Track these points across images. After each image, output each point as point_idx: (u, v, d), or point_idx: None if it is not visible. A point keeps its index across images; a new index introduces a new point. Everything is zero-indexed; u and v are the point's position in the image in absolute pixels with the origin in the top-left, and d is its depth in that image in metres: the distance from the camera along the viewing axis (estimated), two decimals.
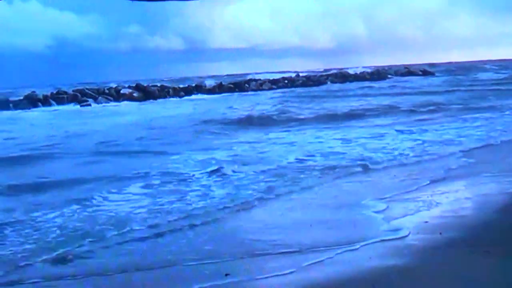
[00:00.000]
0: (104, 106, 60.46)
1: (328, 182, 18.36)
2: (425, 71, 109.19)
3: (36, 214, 15.09)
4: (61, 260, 11.60)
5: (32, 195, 17.88)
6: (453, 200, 15.24)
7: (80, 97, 62.39)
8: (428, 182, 17.42)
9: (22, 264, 11.40)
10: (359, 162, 21.15)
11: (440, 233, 11.99)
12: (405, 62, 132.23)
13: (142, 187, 18.29)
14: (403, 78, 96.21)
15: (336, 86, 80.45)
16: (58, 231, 13.58)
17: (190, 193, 17.21)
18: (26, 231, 13.66)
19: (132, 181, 19.10)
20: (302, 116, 40.89)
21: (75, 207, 15.71)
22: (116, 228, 13.61)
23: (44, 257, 11.74)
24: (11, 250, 12.32)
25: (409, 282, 9.65)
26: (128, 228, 13.63)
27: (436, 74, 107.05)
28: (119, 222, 14.13)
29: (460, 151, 22.84)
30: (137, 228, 13.67)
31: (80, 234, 13.33)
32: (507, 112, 37.04)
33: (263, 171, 20.02)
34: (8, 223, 14.36)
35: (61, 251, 12.07)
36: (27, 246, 12.52)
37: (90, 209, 15.57)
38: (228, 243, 12.30)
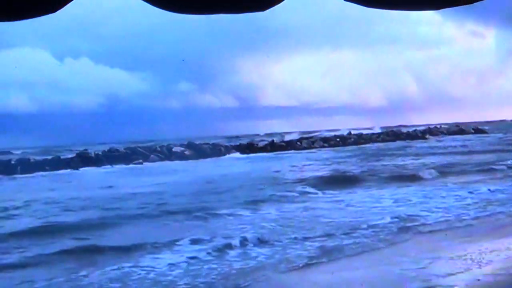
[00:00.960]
0: (155, 164, 60.71)
1: None
2: (477, 129, 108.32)
3: None
4: None
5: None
6: None
7: (131, 155, 62.88)
8: None
9: None
10: None
11: None
12: (456, 120, 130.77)
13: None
14: (454, 136, 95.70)
15: (390, 145, 79.81)
16: None
17: None
18: None
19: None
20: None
21: None
22: None
23: None
24: None
25: None
26: None
27: (488, 132, 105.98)
28: None
29: None
30: None
31: None
32: None
33: None
34: None
35: None
36: None
37: None
38: None
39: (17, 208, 29.71)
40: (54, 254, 17.81)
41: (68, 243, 19.44)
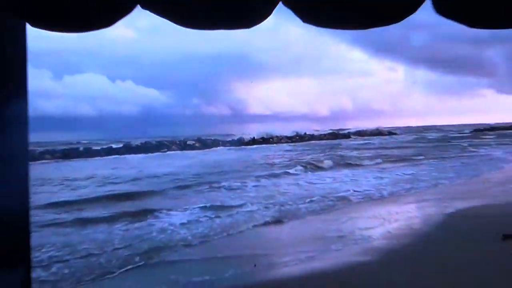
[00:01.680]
0: (178, 152, 61.00)
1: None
2: (391, 132, 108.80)
3: None
4: None
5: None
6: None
7: (159, 146, 63.16)
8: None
9: None
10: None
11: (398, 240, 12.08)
12: (377, 126, 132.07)
13: None
14: (375, 137, 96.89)
15: (332, 142, 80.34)
16: None
17: None
18: None
19: None
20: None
21: None
22: None
23: None
24: None
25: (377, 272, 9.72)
26: None
27: (399, 134, 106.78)
28: None
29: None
30: None
31: None
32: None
33: None
34: None
35: None
36: None
37: None
38: None
39: (87, 179, 29.92)
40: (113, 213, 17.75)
41: (121, 206, 19.36)
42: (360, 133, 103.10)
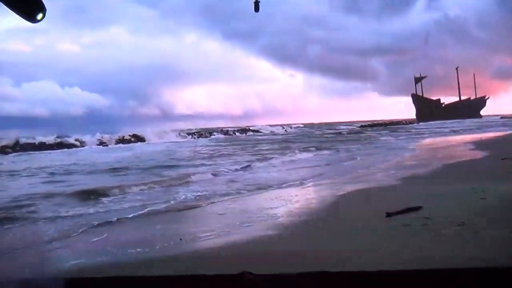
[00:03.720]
0: (117, 146, 60.40)
1: None
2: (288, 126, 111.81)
3: None
4: None
5: None
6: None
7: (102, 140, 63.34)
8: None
9: None
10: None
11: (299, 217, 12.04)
12: (282, 123, 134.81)
13: None
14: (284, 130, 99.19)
15: (242, 135, 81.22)
16: None
17: None
18: None
19: None
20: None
21: None
22: None
23: None
24: None
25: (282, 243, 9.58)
26: None
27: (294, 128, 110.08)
28: None
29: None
30: None
31: None
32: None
33: None
34: None
35: None
36: None
37: None
38: None
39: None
40: None
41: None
42: (266, 129, 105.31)
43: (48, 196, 16.86)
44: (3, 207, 14.59)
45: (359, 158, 29.66)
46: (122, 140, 65.19)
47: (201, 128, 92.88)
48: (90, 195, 16.50)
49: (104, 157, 37.06)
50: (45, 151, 50.89)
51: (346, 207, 13.04)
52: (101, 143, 61.70)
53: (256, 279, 2.81)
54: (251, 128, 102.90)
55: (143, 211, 13.84)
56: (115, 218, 12.91)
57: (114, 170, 26.37)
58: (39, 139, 57.71)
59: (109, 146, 60.44)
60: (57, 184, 21.20)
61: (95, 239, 10.68)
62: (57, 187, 19.69)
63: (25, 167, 29.94)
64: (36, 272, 8.18)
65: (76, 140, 60.39)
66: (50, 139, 58.70)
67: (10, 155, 46.52)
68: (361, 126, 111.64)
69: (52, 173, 25.97)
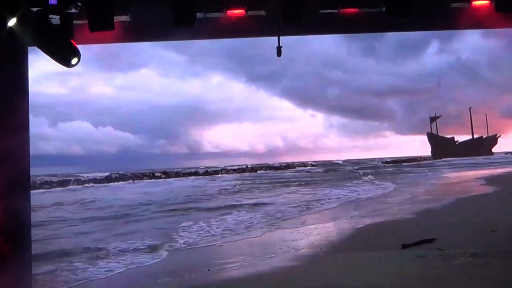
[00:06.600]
0: (148, 181, 60.73)
1: None
2: (313, 165, 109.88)
3: None
4: None
5: None
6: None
7: (141, 177, 64.32)
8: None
9: None
10: None
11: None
12: (302, 160, 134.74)
13: None
14: (302, 168, 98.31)
15: (268, 172, 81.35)
16: None
17: None
18: None
19: None
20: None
21: None
22: None
23: None
24: None
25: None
26: None
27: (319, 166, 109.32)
28: None
29: None
30: None
31: None
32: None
33: None
34: None
35: None
36: None
37: None
38: None
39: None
40: None
41: None
42: (288, 166, 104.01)
43: None
44: None
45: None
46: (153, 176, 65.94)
47: (245, 164, 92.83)
48: None
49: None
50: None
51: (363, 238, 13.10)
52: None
53: None
54: (274, 165, 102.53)
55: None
56: None
57: None
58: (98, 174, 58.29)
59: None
60: None
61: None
62: None
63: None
64: None
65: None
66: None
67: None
68: (382, 163, 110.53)
69: None
